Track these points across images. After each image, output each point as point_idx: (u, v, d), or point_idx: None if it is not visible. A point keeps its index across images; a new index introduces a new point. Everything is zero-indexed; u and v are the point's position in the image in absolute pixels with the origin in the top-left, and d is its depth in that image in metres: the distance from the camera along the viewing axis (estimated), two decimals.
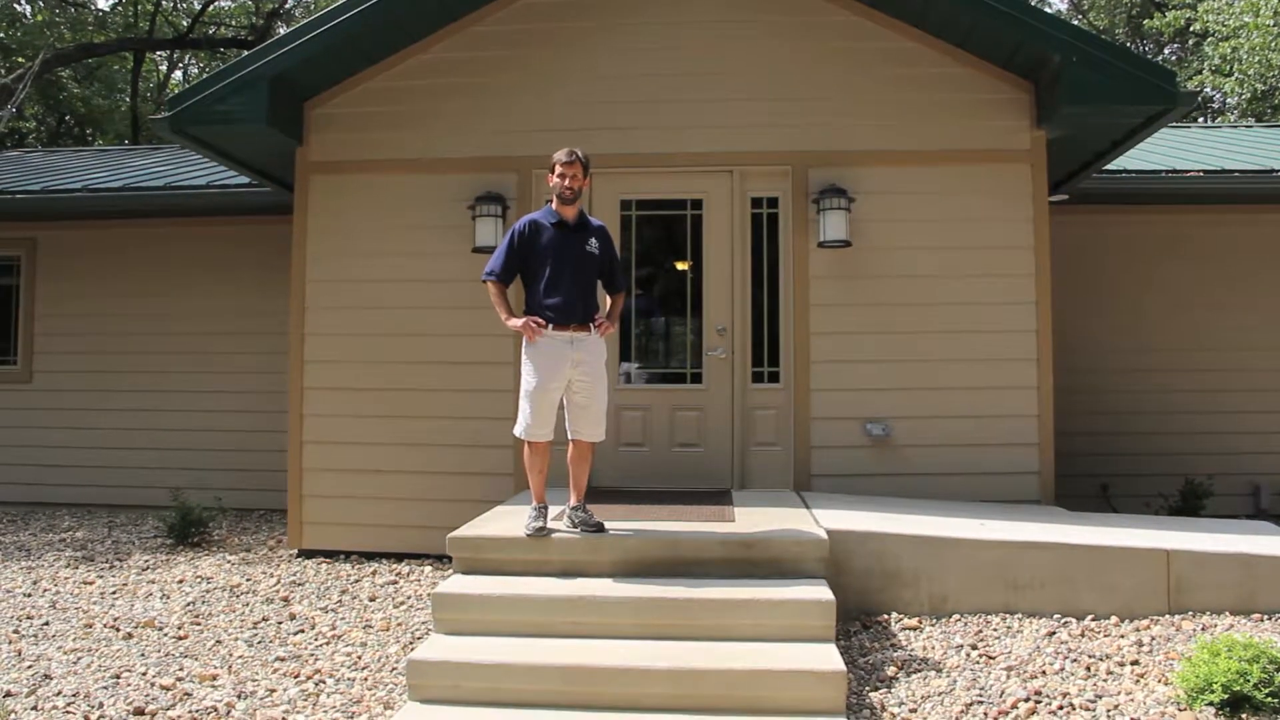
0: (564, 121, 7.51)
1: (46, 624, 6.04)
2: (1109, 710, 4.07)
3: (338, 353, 7.66)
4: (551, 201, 5.67)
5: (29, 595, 6.71)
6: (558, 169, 5.57)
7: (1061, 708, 4.12)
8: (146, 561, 7.57)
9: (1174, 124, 11.99)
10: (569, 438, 5.65)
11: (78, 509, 9.94)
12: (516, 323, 5.50)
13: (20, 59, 22.39)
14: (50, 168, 12.14)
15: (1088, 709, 4.10)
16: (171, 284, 10.17)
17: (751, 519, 5.76)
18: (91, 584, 6.95)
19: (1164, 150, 10.29)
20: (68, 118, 26.58)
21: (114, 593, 6.72)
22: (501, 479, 7.35)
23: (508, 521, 5.75)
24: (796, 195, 7.38)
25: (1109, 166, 8.59)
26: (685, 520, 5.75)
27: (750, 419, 7.42)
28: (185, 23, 24.27)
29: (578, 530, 5.43)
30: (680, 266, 7.68)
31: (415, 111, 7.71)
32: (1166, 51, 25.49)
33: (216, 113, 7.17)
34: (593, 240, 5.67)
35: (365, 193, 7.73)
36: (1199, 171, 9.02)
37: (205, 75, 7.43)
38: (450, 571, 5.37)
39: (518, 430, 5.56)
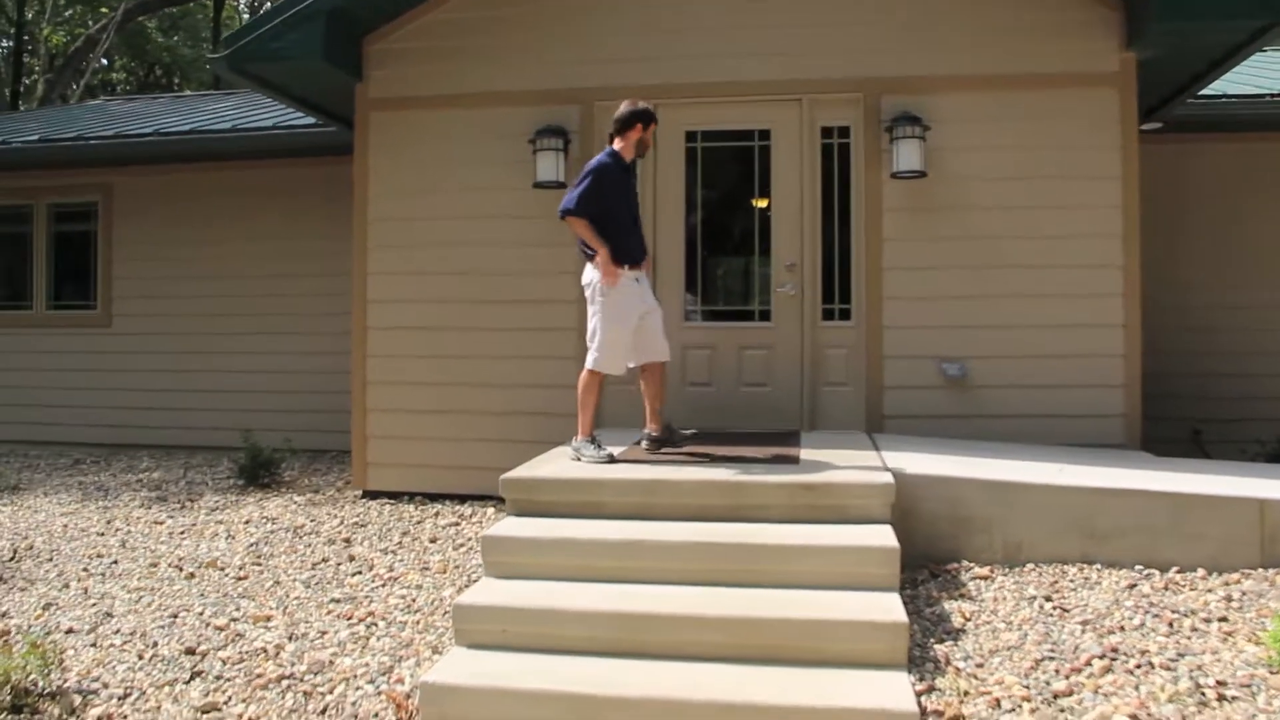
0: (626, 51, 7.28)
1: (115, 562, 6.12)
2: (1191, 670, 3.78)
3: (400, 292, 7.58)
4: (615, 143, 5.79)
5: (102, 534, 6.82)
6: (651, 127, 5.81)
7: (1139, 666, 3.84)
8: (216, 502, 7.64)
9: (1272, 47, 11.24)
10: (642, 367, 5.95)
11: (158, 450, 10.11)
12: (606, 253, 5.62)
13: (104, 9, 22.69)
14: (128, 115, 12.26)
15: (1168, 668, 3.81)
16: (243, 226, 10.20)
17: (817, 461, 5.54)
18: (162, 524, 7.03)
19: (1266, 75, 9.62)
20: (156, 68, 26.97)
21: (182, 533, 6.79)
22: (565, 420, 7.14)
23: (566, 462, 5.62)
24: (868, 124, 7.04)
25: (1206, 91, 8.05)
26: (748, 462, 5.56)
27: (820, 358, 7.17)
28: None
29: (670, 449, 5.91)
30: (747, 200, 7.40)
31: (475, 45, 7.52)
32: None
33: (273, 50, 7.06)
34: (634, 181, 5.98)
35: (425, 129, 7.59)
36: None
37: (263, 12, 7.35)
38: (506, 513, 5.27)
39: (601, 365, 5.74)
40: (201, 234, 10.31)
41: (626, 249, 5.70)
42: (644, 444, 6.05)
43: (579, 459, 5.64)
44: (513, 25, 7.48)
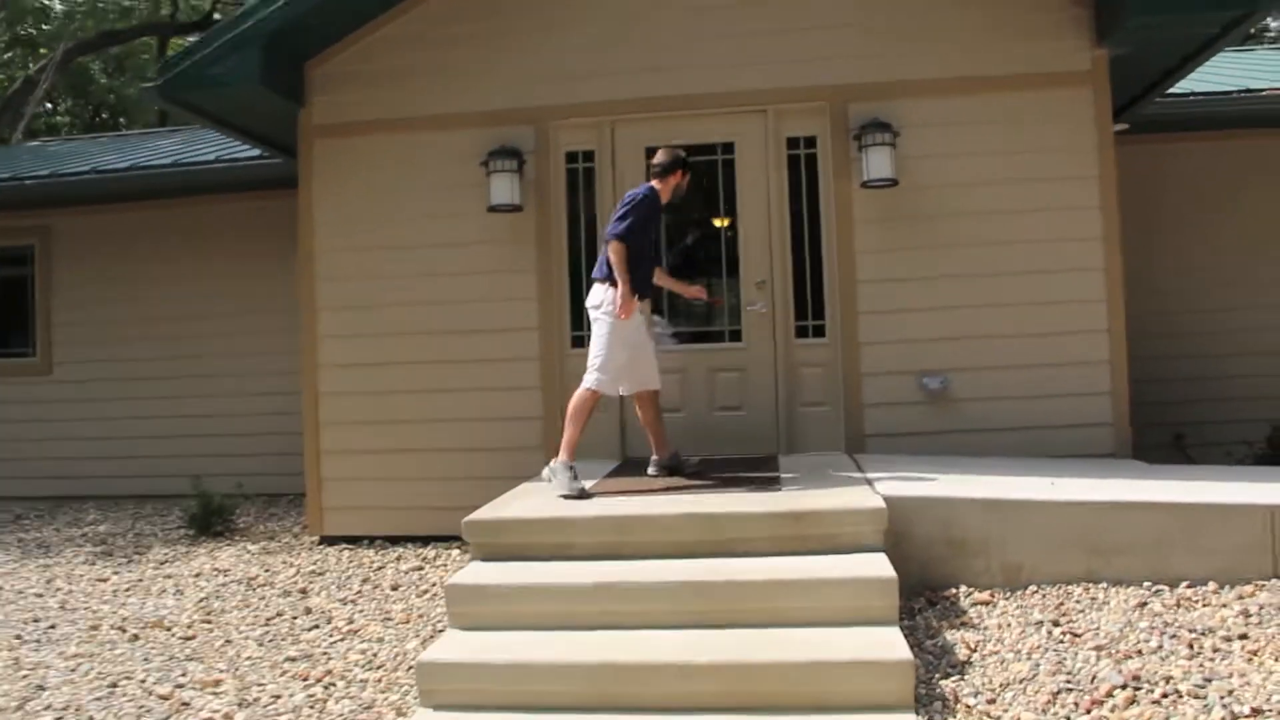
0: (581, 66, 7.01)
1: (52, 627, 5.69)
2: (1222, 697, 3.48)
3: (351, 326, 7.22)
4: (656, 183, 5.75)
5: (40, 595, 6.38)
6: (686, 176, 5.87)
7: (1166, 695, 3.53)
8: (165, 555, 7.21)
9: (1234, 48, 11.17)
10: (637, 398, 5.86)
11: (106, 501, 9.64)
12: (627, 288, 5.53)
13: (44, 50, 22.19)
14: (66, 154, 11.83)
15: (1197, 696, 3.51)
16: (189, 265, 9.81)
17: (800, 487, 5.24)
18: (106, 581, 6.61)
19: (1230, 73, 9.51)
20: (101, 111, 26.43)
21: (128, 590, 6.37)
22: (530, 453, 6.86)
23: (534, 500, 5.28)
24: (836, 133, 6.79)
25: (1174, 90, 7.88)
26: (727, 491, 5.25)
27: (796, 377, 6.88)
28: (208, 4, 23.85)
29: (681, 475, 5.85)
30: (712, 216, 7.12)
31: (422, 65, 7.20)
32: None
33: (209, 76, 6.71)
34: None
35: (373, 154, 7.26)
36: (1277, 89, 8.24)
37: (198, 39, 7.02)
38: (471, 558, 4.91)
39: (602, 385, 5.61)
40: (145, 274, 9.90)
41: (645, 281, 5.73)
42: (651, 470, 5.97)
43: (550, 481, 5.44)
44: (461, 44, 7.18)
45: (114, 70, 26.12)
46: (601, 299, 5.63)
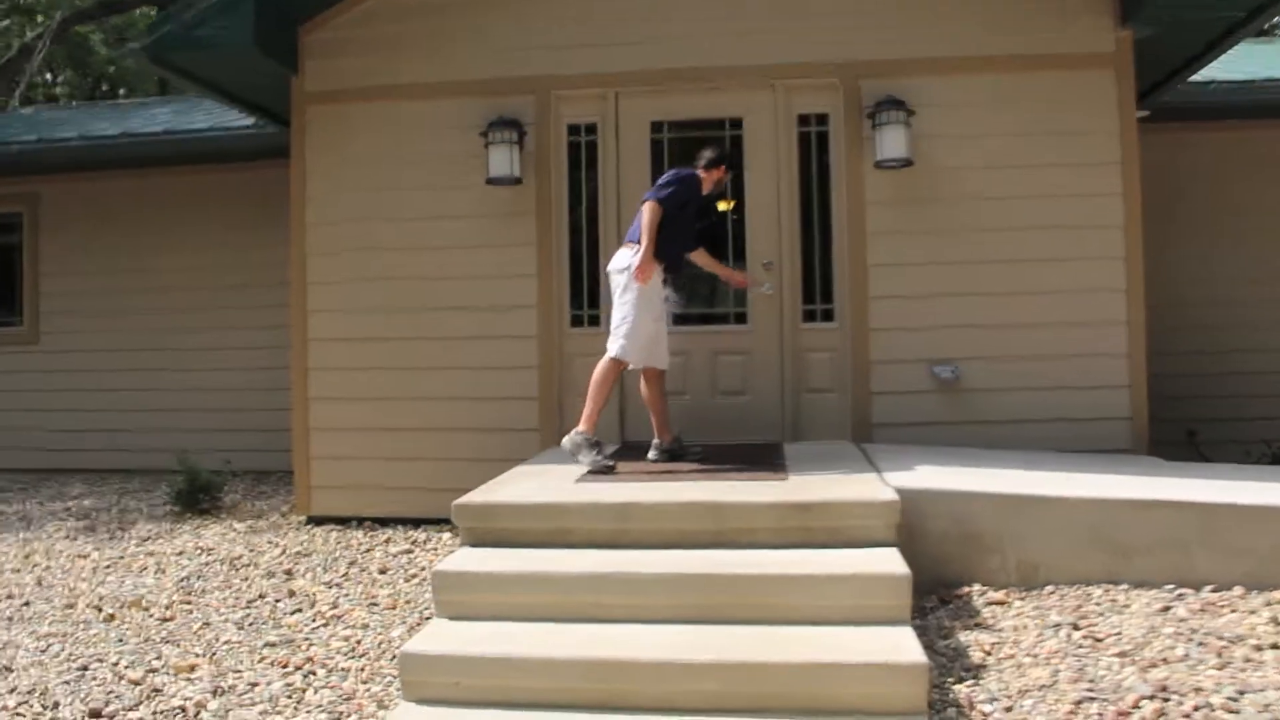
0: (584, 36, 6.77)
1: (26, 604, 5.49)
2: (1259, 713, 3.25)
3: (343, 301, 6.99)
4: (700, 172, 5.72)
5: (17, 571, 6.19)
6: (729, 174, 5.91)
7: (1198, 708, 3.29)
8: (149, 531, 7.00)
9: (1255, 38, 10.89)
10: (645, 376, 5.70)
11: (93, 475, 9.43)
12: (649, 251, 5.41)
13: (42, 19, 21.85)
14: (57, 121, 11.55)
15: (1231, 711, 3.28)
16: (181, 236, 9.57)
17: (807, 477, 5.01)
18: (86, 557, 6.41)
19: (1249, 64, 9.22)
20: (102, 84, 26.11)
21: (108, 567, 6.17)
22: (526, 435, 6.67)
23: (528, 484, 5.06)
24: (849, 110, 6.55)
25: (1195, 77, 7.63)
26: (731, 479, 5.02)
27: (802, 363, 6.66)
28: None
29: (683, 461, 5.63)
30: (719, 193, 6.87)
31: (421, 31, 6.95)
32: None
33: (198, 38, 6.47)
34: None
35: (368, 124, 7.01)
36: None
37: None
38: (460, 543, 4.69)
39: (627, 353, 5.45)
40: (136, 245, 9.66)
41: (667, 253, 5.57)
42: (652, 454, 5.76)
43: (575, 457, 5.28)
44: (461, 10, 6.93)
45: (114, 41, 25.80)
46: (629, 262, 5.47)
